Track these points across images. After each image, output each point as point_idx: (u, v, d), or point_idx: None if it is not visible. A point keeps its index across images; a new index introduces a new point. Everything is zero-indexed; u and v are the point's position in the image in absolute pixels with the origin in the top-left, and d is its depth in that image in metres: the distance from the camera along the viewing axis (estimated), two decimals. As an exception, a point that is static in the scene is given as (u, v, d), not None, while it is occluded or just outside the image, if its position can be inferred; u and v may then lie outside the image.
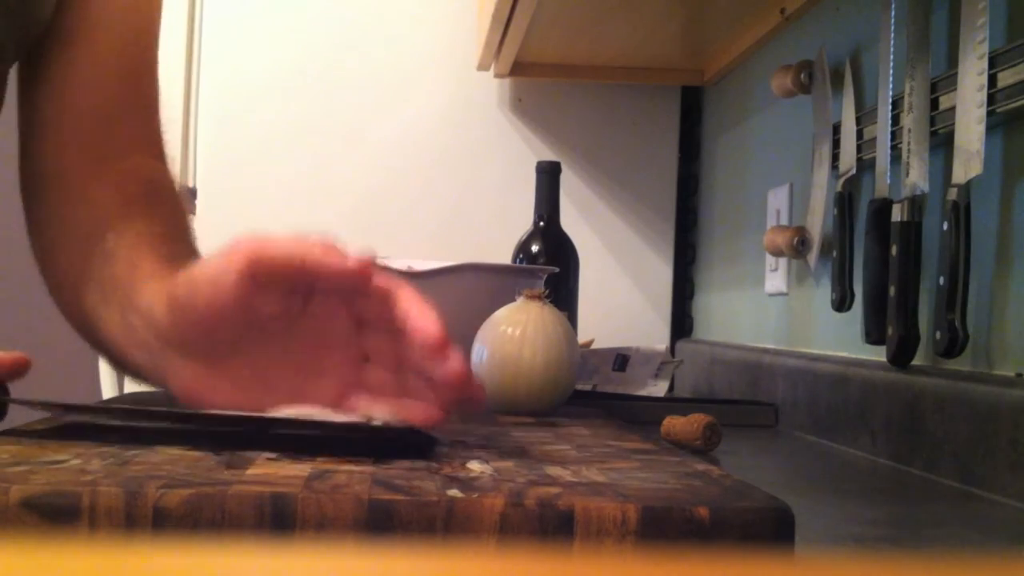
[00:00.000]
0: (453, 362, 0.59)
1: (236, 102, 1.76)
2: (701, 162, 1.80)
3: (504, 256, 1.42)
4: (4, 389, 0.66)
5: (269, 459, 0.58)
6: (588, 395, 1.26)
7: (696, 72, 1.72)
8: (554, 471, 0.58)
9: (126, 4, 0.85)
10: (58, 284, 0.83)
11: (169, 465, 0.54)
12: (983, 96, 0.81)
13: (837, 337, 1.14)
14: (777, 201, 1.36)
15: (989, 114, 0.81)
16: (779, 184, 1.36)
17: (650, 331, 1.78)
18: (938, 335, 0.83)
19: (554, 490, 0.51)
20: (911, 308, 0.90)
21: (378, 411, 0.63)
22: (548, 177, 1.40)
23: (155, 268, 0.70)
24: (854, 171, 1.06)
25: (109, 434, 0.64)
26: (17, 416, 0.82)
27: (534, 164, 1.43)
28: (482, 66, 1.72)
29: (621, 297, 1.79)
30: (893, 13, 0.98)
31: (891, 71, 0.98)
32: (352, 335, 0.65)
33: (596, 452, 0.66)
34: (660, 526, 0.48)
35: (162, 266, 0.70)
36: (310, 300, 0.64)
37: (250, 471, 0.54)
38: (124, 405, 0.66)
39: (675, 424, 0.90)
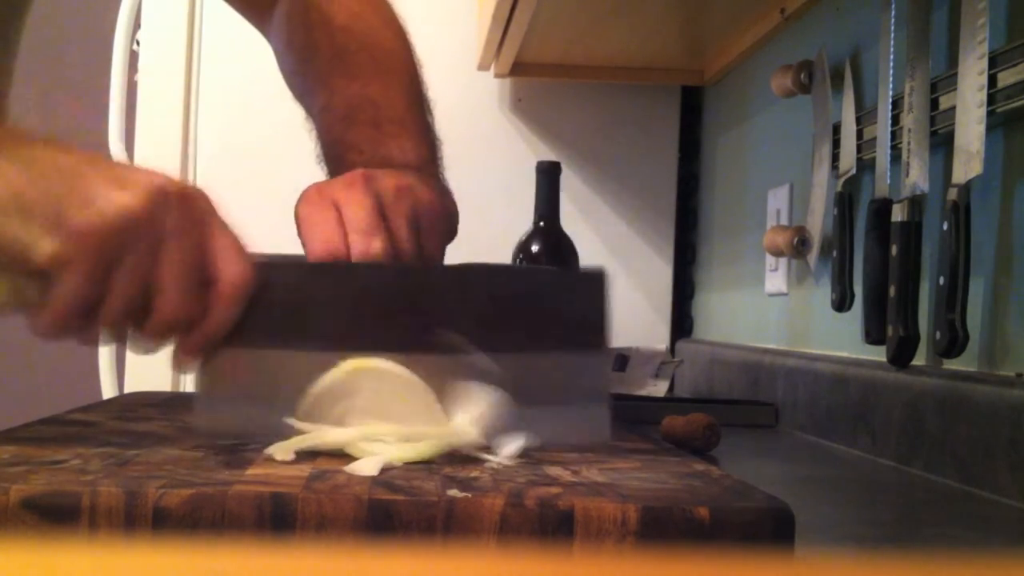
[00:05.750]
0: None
1: (236, 102, 1.76)
2: (701, 162, 1.80)
3: (504, 256, 1.42)
4: None
5: (269, 459, 0.58)
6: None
7: (696, 72, 1.72)
8: (554, 471, 0.58)
9: None
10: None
11: (169, 465, 0.54)
12: (983, 96, 0.81)
13: (837, 337, 1.14)
14: (777, 201, 1.36)
15: (989, 114, 0.81)
16: (779, 184, 1.36)
17: (650, 331, 1.78)
18: (938, 335, 0.83)
19: (554, 490, 0.51)
20: (911, 308, 0.90)
21: None
22: (548, 177, 1.40)
23: None
24: (854, 171, 1.06)
25: None
26: (17, 416, 0.82)
27: (534, 164, 1.43)
28: (482, 66, 1.72)
29: (621, 297, 1.78)
30: (893, 13, 0.98)
31: (891, 71, 0.98)
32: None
33: (596, 452, 0.66)
34: (660, 526, 0.48)
35: None
36: None
37: (250, 471, 0.54)
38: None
39: (675, 424, 0.90)
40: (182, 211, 0.62)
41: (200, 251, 0.63)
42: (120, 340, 0.64)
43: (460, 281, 0.68)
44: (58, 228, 0.59)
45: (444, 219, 0.78)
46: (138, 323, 0.63)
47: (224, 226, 0.65)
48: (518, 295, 0.68)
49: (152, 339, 0.64)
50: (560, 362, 0.68)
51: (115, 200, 0.60)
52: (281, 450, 0.58)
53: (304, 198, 0.74)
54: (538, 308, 0.68)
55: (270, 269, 0.66)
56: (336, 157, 0.84)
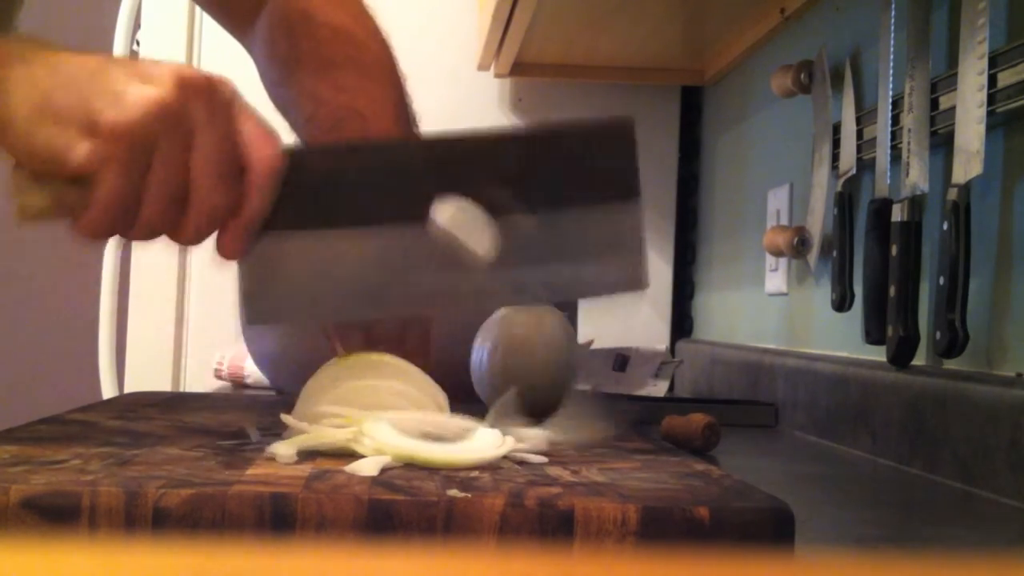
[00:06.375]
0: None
1: (236, 102, 1.76)
2: (701, 162, 1.80)
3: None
4: None
5: (269, 458, 0.58)
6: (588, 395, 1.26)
7: (696, 72, 1.72)
8: (554, 471, 0.58)
9: None
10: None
11: (169, 465, 0.54)
12: (983, 96, 0.81)
13: (837, 337, 1.14)
14: (777, 201, 1.36)
15: (989, 114, 0.81)
16: (779, 184, 1.36)
17: (650, 331, 1.78)
18: (938, 335, 0.83)
19: (554, 490, 0.51)
20: (911, 308, 0.90)
21: None
22: (548, 177, 1.40)
23: None
24: (854, 171, 1.06)
25: None
26: (17, 416, 0.82)
27: (534, 164, 1.43)
28: (482, 66, 1.72)
29: (621, 297, 1.78)
30: (893, 13, 0.98)
31: (891, 71, 0.98)
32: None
33: (596, 452, 0.66)
34: (660, 526, 0.48)
35: None
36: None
37: (250, 471, 0.54)
38: None
39: (675, 424, 0.90)
40: (208, 100, 0.63)
41: (230, 138, 0.63)
42: (161, 235, 0.64)
43: (490, 148, 0.67)
44: (91, 128, 0.60)
45: None
46: (178, 217, 0.63)
47: (250, 111, 0.65)
48: (548, 155, 0.68)
49: (193, 232, 0.64)
50: (594, 215, 0.68)
51: (144, 94, 0.60)
52: (283, 449, 0.58)
53: None
54: (568, 165, 0.68)
55: (299, 154, 0.67)
56: None
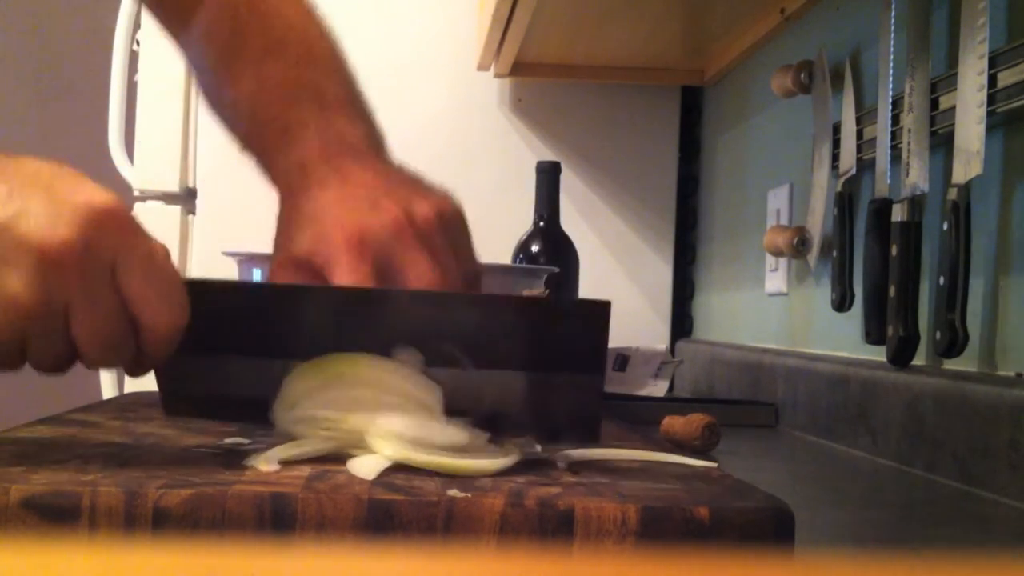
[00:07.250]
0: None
1: (236, 102, 1.76)
2: (701, 162, 1.80)
3: (504, 256, 1.41)
4: None
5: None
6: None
7: (696, 72, 1.72)
8: (554, 471, 0.58)
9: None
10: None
11: (169, 465, 0.54)
12: (983, 96, 0.81)
13: (837, 337, 1.14)
14: (777, 201, 1.36)
15: (989, 114, 0.81)
16: (779, 184, 1.36)
17: (650, 331, 1.78)
18: (938, 335, 0.83)
19: (554, 490, 0.51)
20: (911, 308, 0.90)
21: None
22: (548, 177, 1.40)
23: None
24: (854, 171, 1.06)
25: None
26: (17, 416, 0.82)
27: (534, 164, 1.43)
28: (482, 66, 1.72)
29: (621, 297, 1.78)
30: (893, 13, 0.98)
31: (891, 71, 0.98)
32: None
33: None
34: (660, 526, 0.48)
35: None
36: None
37: (250, 471, 0.54)
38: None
39: (675, 424, 0.90)
40: (109, 251, 0.57)
41: (118, 309, 0.58)
42: (61, 372, 0.61)
43: (453, 309, 0.67)
44: None
45: (466, 225, 0.77)
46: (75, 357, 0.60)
47: (149, 266, 0.59)
48: (517, 322, 0.67)
49: (93, 367, 0.61)
50: (556, 379, 0.67)
51: (18, 283, 0.55)
52: (265, 460, 0.55)
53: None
54: (537, 335, 0.67)
55: (231, 289, 0.67)
56: (278, 131, 0.78)
